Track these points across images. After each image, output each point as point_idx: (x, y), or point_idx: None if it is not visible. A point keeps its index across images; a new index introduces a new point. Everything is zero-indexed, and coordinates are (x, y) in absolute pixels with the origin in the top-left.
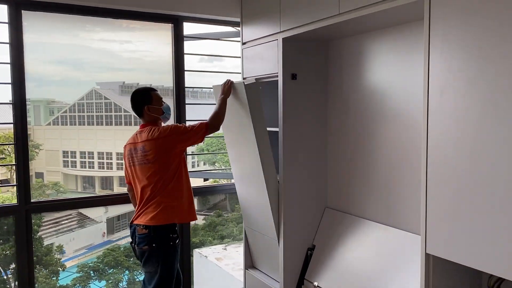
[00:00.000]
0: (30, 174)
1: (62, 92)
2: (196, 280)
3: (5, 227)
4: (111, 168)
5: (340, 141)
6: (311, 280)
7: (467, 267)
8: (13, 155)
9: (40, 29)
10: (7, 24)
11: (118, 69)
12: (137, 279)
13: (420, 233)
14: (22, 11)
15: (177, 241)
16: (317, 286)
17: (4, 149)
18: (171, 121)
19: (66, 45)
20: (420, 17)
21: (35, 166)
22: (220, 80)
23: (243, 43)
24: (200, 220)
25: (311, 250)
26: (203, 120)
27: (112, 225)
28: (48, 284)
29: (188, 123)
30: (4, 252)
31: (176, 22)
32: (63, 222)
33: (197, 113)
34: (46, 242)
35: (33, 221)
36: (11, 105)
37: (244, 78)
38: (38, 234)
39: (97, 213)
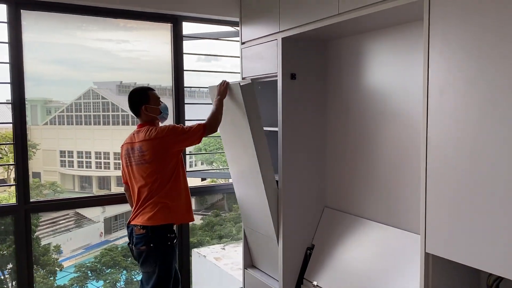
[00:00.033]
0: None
1: (59, 91)
2: (195, 280)
3: (2, 227)
4: (109, 168)
5: (340, 140)
6: (310, 280)
7: (466, 266)
8: (10, 155)
9: (39, 29)
10: (6, 24)
11: (116, 69)
12: (135, 279)
13: (420, 232)
14: (21, 10)
15: (174, 240)
16: (316, 285)
17: (1, 149)
18: (170, 121)
19: (64, 45)
20: (420, 17)
21: (32, 166)
22: (217, 79)
23: (242, 43)
24: (197, 220)
25: (310, 249)
26: (201, 121)
27: (110, 225)
28: (46, 284)
29: (187, 123)
30: (1, 252)
31: (175, 22)
32: (60, 222)
33: (196, 112)
34: (43, 242)
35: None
36: (9, 105)
37: (243, 78)
38: (35, 234)
39: (94, 213)
